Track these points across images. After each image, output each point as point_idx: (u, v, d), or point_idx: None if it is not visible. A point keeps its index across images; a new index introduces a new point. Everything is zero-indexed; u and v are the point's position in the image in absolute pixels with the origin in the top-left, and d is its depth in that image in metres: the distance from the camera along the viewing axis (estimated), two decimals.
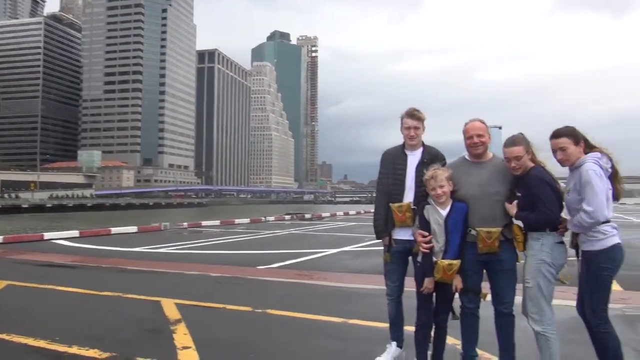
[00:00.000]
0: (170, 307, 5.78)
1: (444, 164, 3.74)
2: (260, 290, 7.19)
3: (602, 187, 3.14)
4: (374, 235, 4.04)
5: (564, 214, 3.40)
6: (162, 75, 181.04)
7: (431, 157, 3.83)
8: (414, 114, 3.85)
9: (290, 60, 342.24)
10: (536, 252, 3.32)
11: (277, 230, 19.19)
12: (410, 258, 3.84)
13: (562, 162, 3.34)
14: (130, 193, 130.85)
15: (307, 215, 30.01)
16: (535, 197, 3.27)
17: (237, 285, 7.53)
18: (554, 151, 3.35)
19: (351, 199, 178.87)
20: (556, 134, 3.34)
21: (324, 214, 31.99)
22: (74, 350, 4.22)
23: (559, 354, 3.34)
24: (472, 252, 3.47)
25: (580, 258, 3.35)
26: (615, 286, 6.95)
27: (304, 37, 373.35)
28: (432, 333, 3.63)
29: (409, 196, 3.81)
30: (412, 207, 3.74)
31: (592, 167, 3.16)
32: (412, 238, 3.71)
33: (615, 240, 3.23)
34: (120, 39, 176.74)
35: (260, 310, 5.68)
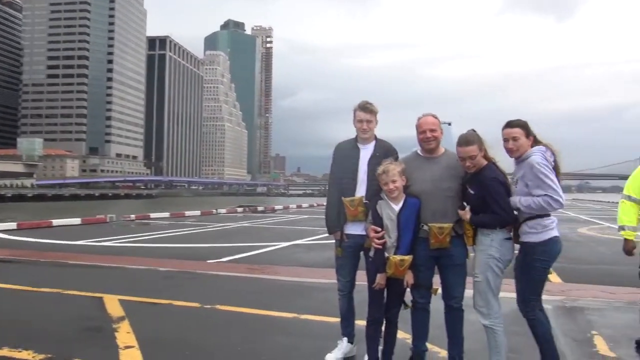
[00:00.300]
0: (113, 304, 5.52)
1: (396, 158, 3.72)
2: (210, 285, 7.01)
3: (554, 174, 3.25)
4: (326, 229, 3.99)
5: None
6: (110, 61, 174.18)
7: (383, 150, 3.80)
8: (366, 107, 3.81)
9: (244, 50, 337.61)
10: (486, 247, 3.36)
11: (228, 223, 18.90)
12: (362, 253, 3.81)
13: (511, 152, 3.40)
14: (74, 183, 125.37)
15: (260, 208, 29.81)
16: (490, 198, 3.30)
17: (185, 280, 7.31)
18: (506, 140, 3.41)
19: (304, 191, 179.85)
20: (510, 124, 3.42)
21: (276, 207, 31.89)
22: (4, 352, 3.94)
23: (506, 346, 3.40)
24: (423, 248, 3.47)
25: (518, 248, 3.44)
26: (555, 278, 7.28)
27: (258, 27, 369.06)
28: (383, 328, 3.62)
29: (361, 190, 3.77)
30: (364, 201, 3.71)
31: (541, 160, 3.26)
32: (364, 233, 3.67)
33: (554, 233, 3.35)
34: (65, 21, 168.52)
35: (209, 306, 5.52)
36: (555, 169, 3.34)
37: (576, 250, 11.10)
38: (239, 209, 28.42)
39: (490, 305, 3.35)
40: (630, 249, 4.23)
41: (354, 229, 3.79)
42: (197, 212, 24.37)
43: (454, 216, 3.47)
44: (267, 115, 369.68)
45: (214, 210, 25.98)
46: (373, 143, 3.87)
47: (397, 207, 3.47)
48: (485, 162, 3.42)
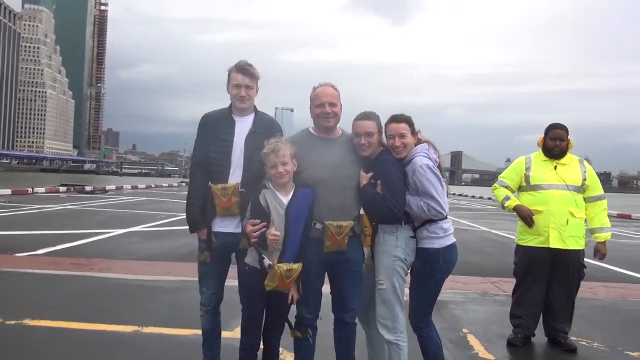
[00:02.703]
0: None
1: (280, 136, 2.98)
2: (19, 289, 5.44)
3: (438, 181, 2.88)
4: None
5: None
6: None
7: (265, 125, 3.04)
8: (246, 69, 2.97)
9: (73, 9, 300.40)
10: (390, 247, 2.84)
11: (48, 205, 16.16)
12: (233, 256, 2.98)
13: (399, 150, 2.92)
14: None
15: (88, 188, 26.64)
16: (383, 185, 2.79)
17: None
18: (391, 137, 2.93)
19: (140, 170, 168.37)
20: (396, 119, 2.97)
21: (108, 187, 28.88)
22: None
23: None
24: (315, 252, 2.79)
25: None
26: None
27: None
28: (260, 353, 2.87)
29: (235, 175, 2.94)
30: (240, 189, 2.89)
31: (426, 162, 2.87)
32: (237, 231, 2.87)
33: (453, 239, 3.00)
34: None
35: (13, 322, 4.14)
36: (439, 167, 2.98)
37: None
38: (62, 188, 24.93)
39: (395, 316, 2.84)
40: (526, 211, 4.06)
41: (225, 225, 2.96)
42: (7, 191, 20.64)
43: (354, 212, 2.88)
44: (99, 85, 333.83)
45: (30, 189, 22.27)
46: (252, 116, 3.06)
47: (285, 199, 2.73)
48: (382, 148, 2.92)
